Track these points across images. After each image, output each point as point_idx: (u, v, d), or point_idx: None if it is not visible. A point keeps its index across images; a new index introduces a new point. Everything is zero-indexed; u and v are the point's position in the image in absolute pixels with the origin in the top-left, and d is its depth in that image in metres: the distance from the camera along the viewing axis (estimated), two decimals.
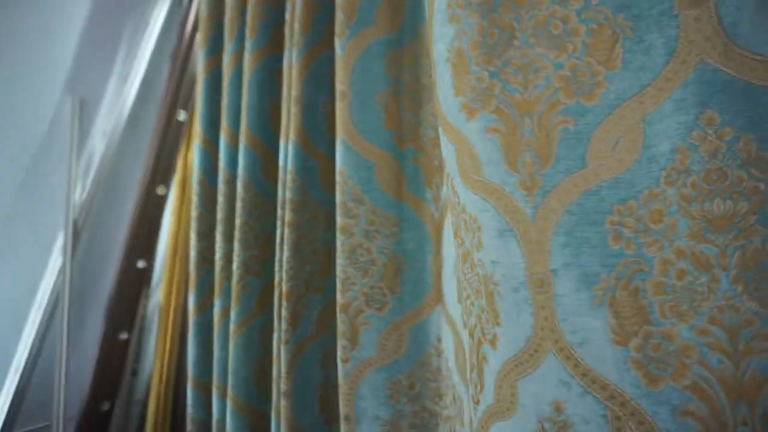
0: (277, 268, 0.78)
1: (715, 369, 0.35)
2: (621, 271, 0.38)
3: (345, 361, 0.66)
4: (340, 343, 0.67)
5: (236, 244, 0.86)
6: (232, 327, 0.86)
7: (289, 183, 0.76)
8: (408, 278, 0.66)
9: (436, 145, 0.65)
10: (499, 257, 0.43)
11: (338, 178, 0.67)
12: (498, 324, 0.43)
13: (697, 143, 0.37)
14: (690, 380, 0.35)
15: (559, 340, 0.39)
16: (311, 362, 0.78)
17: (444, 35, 0.46)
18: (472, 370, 0.47)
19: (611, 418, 0.37)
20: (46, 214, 1.14)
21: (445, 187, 0.61)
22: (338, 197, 0.67)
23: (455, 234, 0.49)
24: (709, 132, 0.36)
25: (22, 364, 1.11)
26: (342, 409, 0.66)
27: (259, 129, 0.89)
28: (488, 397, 0.44)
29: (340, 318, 0.67)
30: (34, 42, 1.11)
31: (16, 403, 1.11)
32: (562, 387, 0.39)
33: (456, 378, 0.61)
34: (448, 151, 0.47)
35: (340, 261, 0.67)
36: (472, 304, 0.46)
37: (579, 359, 0.38)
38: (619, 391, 0.37)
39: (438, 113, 0.49)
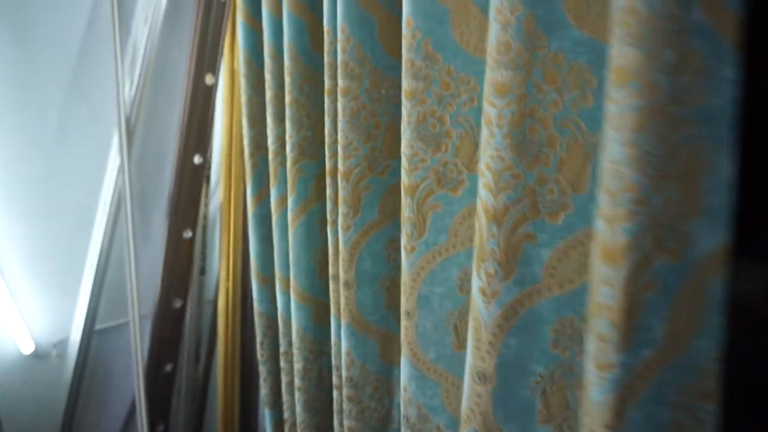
0: (328, 142, 0.68)
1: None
2: None
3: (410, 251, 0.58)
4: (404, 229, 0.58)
5: (288, 125, 0.77)
6: (290, 215, 0.79)
7: (341, 42, 0.64)
8: None
9: None
10: None
11: (404, 30, 0.54)
12: None
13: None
14: None
15: None
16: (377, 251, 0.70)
17: None
18: None
19: None
20: (98, 113, 1.10)
21: None
22: (404, 55, 0.55)
23: None
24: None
25: (95, 264, 1.12)
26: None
27: None
28: None
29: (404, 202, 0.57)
30: None
31: (94, 301, 1.14)
32: None
33: None
34: None
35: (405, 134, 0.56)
36: None
37: None
38: None
39: None
